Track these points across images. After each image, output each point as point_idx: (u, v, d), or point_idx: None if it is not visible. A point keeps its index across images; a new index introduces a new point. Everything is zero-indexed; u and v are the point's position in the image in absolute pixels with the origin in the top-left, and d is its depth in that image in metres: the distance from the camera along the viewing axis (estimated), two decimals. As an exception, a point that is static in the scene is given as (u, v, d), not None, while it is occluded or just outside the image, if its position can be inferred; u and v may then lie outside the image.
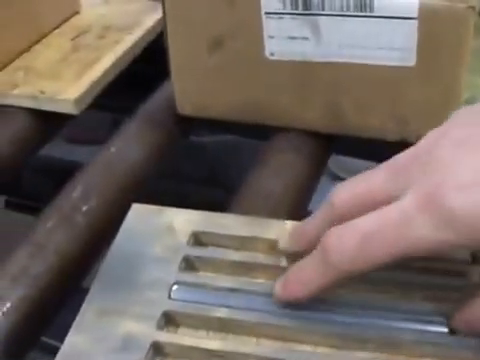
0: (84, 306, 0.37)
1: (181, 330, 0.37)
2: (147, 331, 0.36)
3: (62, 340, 0.36)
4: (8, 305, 0.41)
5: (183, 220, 0.42)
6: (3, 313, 0.41)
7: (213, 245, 0.41)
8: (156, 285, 0.38)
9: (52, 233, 0.45)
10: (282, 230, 0.40)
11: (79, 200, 0.48)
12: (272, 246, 0.40)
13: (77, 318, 0.36)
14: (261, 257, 0.40)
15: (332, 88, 0.53)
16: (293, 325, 0.36)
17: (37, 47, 0.65)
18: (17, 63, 0.63)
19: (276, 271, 0.38)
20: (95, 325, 0.36)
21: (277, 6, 0.51)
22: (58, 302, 0.44)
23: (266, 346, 0.36)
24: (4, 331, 0.40)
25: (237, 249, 0.40)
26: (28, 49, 0.64)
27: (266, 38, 0.52)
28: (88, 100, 0.58)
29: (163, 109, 0.56)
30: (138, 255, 0.40)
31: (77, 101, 0.56)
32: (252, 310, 0.37)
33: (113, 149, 0.53)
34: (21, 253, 0.44)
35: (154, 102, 0.58)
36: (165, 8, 0.52)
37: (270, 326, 0.36)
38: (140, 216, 0.42)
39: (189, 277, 0.39)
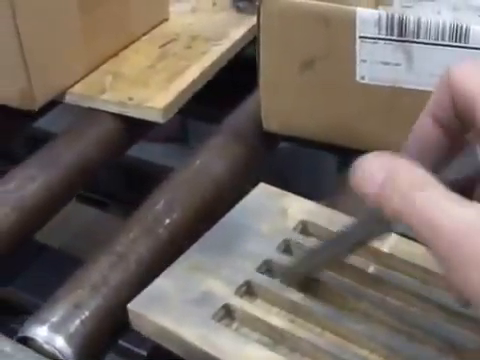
0: (179, 259, 0.42)
1: (256, 302, 0.40)
2: (225, 293, 0.39)
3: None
4: (86, 314, 0.42)
5: (297, 207, 0.45)
6: (81, 321, 0.42)
7: (316, 237, 0.43)
8: (250, 257, 0.41)
9: (134, 244, 0.46)
10: (385, 239, 0.42)
11: (162, 213, 0.49)
12: (368, 251, 0.41)
13: (168, 268, 0.41)
14: (354, 259, 0.41)
15: (418, 115, 0.53)
16: (357, 328, 0.37)
17: (126, 52, 0.66)
18: (106, 67, 0.64)
19: (362, 276, 0.40)
20: (182, 276, 0.40)
21: (372, 31, 0.51)
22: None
23: (326, 338, 0.37)
24: (81, 339, 0.41)
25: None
26: (117, 54, 0.66)
27: (358, 62, 0.52)
28: (175, 109, 0.58)
29: (248, 124, 0.57)
30: (245, 228, 0.43)
31: (164, 110, 0.57)
32: (325, 303, 0.39)
33: (198, 162, 0.53)
34: (103, 262, 0.45)
35: (239, 116, 0.58)
36: (260, 25, 0.53)
37: (336, 323, 0.38)
38: (262, 195, 0.46)
39: (282, 258, 0.41)
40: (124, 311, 0.43)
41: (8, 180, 0.53)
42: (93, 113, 0.60)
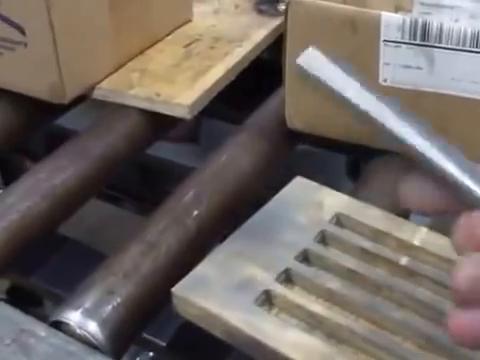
0: (220, 246, 0.44)
1: (294, 289, 0.42)
2: (266, 280, 0.41)
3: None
4: (119, 300, 0.44)
5: (332, 200, 0.47)
6: (113, 307, 0.43)
7: (350, 229, 0.45)
8: (289, 246, 0.44)
9: (164, 234, 0.48)
10: (416, 232, 0.44)
11: (190, 205, 0.50)
12: (401, 244, 0.44)
13: (210, 254, 0.43)
14: (387, 251, 0.43)
15: (438, 118, 0.55)
16: (391, 315, 0.39)
17: (150, 51, 0.68)
18: (132, 65, 0.66)
19: (394, 267, 0.42)
20: (224, 262, 0.42)
21: (396, 35, 0.53)
22: (162, 301, 0.46)
23: (362, 325, 0.39)
24: (113, 324, 0.43)
25: (369, 238, 0.43)
26: (142, 52, 0.67)
27: (381, 64, 0.54)
28: (200, 107, 0.60)
29: (272, 122, 0.58)
30: (283, 219, 0.45)
31: (191, 107, 0.59)
32: (361, 292, 0.41)
33: (224, 157, 0.55)
34: (134, 250, 0.47)
35: (263, 115, 0.60)
36: (287, 27, 0.55)
37: (370, 310, 0.40)
38: (298, 188, 0.48)
39: (319, 248, 0.44)
40: (154, 299, 0.45)
41: (39, 169, 0.55)
42: (120, 108, 0.62)
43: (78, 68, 0.60)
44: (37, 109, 0.63)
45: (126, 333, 0.43)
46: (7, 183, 0.92)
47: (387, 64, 0.54)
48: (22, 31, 0.58)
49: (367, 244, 0.44)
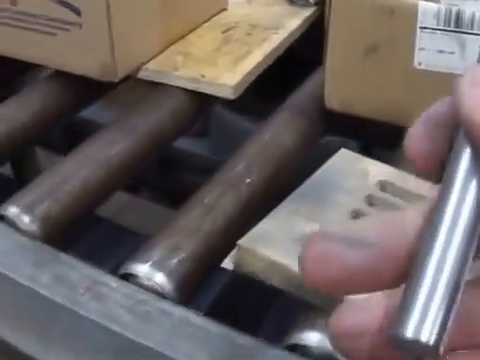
0: (278, 207, 0.48)
1: None
2: None
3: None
4: (183, 255, 0.48)
5: (377, 169, 0.51)
6: (179, 261, 0.47)
7: (394, 195, 0.49)
8: (340, 206, 0.48)
9: (220, 199, 0.52)
10: None
11: (242, 174, 0.54)
12: None
13: (271, 213, 0.47)
14: None
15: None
16: None
17: (190, 37, 0.72)
18: (175, 48, 0.69)
19: None
20: (284, 219, 0.47)
21: (432, 22, 0.57)
22: (221, 258, 0.50)
23: None
24: (179, 276, 0.47)
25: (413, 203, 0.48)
26: (183, 37, 0.71)
27: (417, 49, 0.58)
28: (242, 88, 0.64)
29: (311, 102, 0.62)
30: (332, 184, 0.49)
31: (235, 87, 0.63)
32: None
33: (267, 135, 0.59)
34: (195, 212, 0.51)
35: (302, 95, 0.64)
36: (330, 14, 0.59)
37: None
38: (344, 158, 0.52)
39: (368, 209, 0.48)
40: (213, 255, 0.49)
41: (94, 141, 0.59)
42: (166, 88, 0.65)
43: (129, 48, 0.64)
44: (85, 89, 0.67)
45: (190, 285, 0.47)
46: (16, 172, 0.95)
47: (422, 49, 0.58)
48: (78, 12, 0.62)
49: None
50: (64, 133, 1.06)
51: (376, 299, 0.24)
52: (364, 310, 0.23)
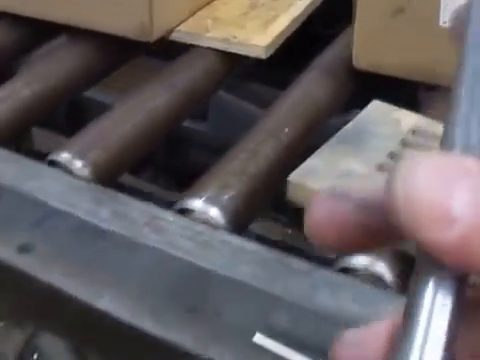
0: (321, 149, 0.52)
1: None
2: (362, 171, 0.49)
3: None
4: (232, 193, 0.51)
5: (408, 118, 0.54)
6: (229, 198, 0.51)
7: (425, 140, 0.53)
8: (377, 148, 0.52)
9: (262, 144, 0.55)
10: None
11: (280, 124, 0.58)
12: None
13: (314, 154, 0.51)
14: None
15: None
16: None
17: (216, 3, 0.75)
18: (203, 13, 0.72)
19: None
20: (328, 158, 0.50)
21: (457, -17, 0.60)
22: (265, 196, 0.54)
23: None
24: (230, 211, 0.50)
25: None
26: (209, 3, 0.74)
27: (442, 9, 0.61)
28: (273, 49, 0.67)
29: (339, 62, 0.66)
30: (368, 130, 0.53)
31: (267, 47, 0.66)
32: None
33: (299, 91, 0.62)
34: (241, 156, 0.54)
35: (330, 55, 0.67)
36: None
37: None
38: (376, 109, 0.55)
39: (390, 164, 0.51)
40: (258, 194, 0.52)
41: (137, 94, 0.62)
42: (198, 49, 0.68)
43: (164, 11, 0.67)
44: (117, 50, 0.70)
45: (241, 219, 0.50)
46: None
47: (446, 8, 0.61)
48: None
49: None
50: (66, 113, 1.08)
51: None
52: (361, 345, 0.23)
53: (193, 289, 0.48)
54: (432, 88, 0.63)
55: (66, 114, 1.10)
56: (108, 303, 0.53)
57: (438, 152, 0.21)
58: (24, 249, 0.59)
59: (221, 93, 1.02)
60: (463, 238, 0.19)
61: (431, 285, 0.20)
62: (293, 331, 0.45)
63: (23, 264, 0.59)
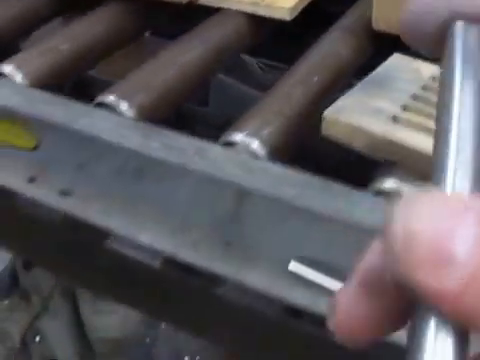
0: (350, 91, 0.56)
1: (413, 115, 0.54)
2: (391, 109, 0.55)
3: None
4: (271, 129, 0.56)
5: (428, 67, 0.59)
6: (269, 132, 0.55)
7: None
8: (401, 91, 0.56)
9: (294, 88, 0.60)
10: None
11: (308, 73, 0.62)
12: None
13: (345, 95, 0.56)
14: None
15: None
16: None
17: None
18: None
19: None
20: (358, 97, 0.56)
21: None
22: (299, 136, 0.59)
23: None
24: (269, 143, 0.55)
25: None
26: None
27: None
28: (297, 12, 0.72)
29: (359, 24, 0.71)
30: (392, 76, 0.58)
31: (291, 10, 0.71)
32: None
33: (324, 48, 0.67)
34: (274, 98, 0.59)
35: (350, 18, 0.72)
36: None
37: None
38: (398, 59, 0.60)
39: (424, 94, 0.56)
40: (293, 134, 0.57)
41: (171, 49, 0.66)
42: (225, 11, 0.73)
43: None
44: (147, 13, 0.75)
45: (280, 153, 0.55)
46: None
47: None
48: None
49: None
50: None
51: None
52: None
53: (235, 217, 0.53)
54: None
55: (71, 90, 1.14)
56: (150, 237, 0.58)
57: (438, 190, 0.19)
58: (66, 192, 0.64)
59: (221, 76, 1.07)
60: (463, 286, 0.18)
61: (432, 326, 0.19)
62: (329, 255, 0.50)
63: (65, 206, 0.63)
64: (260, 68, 1.02)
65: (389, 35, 0.70)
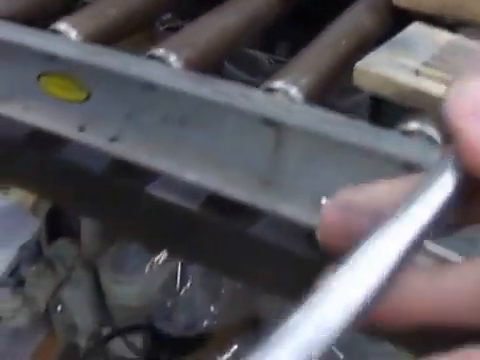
0: (377, 49, 0.62)
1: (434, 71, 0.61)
2: (414, 64, 0.61)
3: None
4: (308, 79, 0.62)
5: (444, 35, 0.65)
6: (306, 81, 0.62)
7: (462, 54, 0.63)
8: (422, 51, 0.62)
9: (323, 49, 0.67)
10: None
11: (335, 39, 0.69)
12: None
13: (372, 52, 0.62)
14: None
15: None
16: None
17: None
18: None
19: None
20: (385, 54, 0.62)
21: None
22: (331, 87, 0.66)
23: None
24: (306, 91, 0.61)
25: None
26: None
27: None
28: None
29: (380, 1, 0.78)
30: (412, 40, 0.64)
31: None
32: None
33: (345, 20, 0.74)
34: (309, 59, 0.66)
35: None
36: None
37: None
38: (418, 27, 0.65)
39: (446, 55, 0.62)
40: (327, 84, 0.64)
41: (211, 13, 0.73)
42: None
43: None
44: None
45: (314, 100, 0.61)
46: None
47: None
48: None
49: None
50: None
51: None
52: None
53: (275, 155, 0.59)
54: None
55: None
56: (195, 175, 0.64)
57: None
58: (114, 139, 0.70)
59: (231, 68, 1.14)
60: None
61: (447, 165, 0.26)
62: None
63: (112, 150, 0.69)
64: (269, 63, 1.10)
65: (408, 11, 0.77)
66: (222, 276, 1.25)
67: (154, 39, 0.98)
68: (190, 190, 0.67)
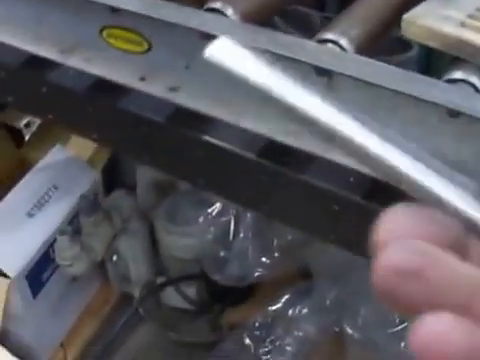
0: (419, 6, 0.64)
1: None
2: (457, 16, 0.63)
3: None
4: (357, 31, 0.65)
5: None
6: (357, 33, 0.65)
7: None
8: (466, 4, 0.64)
9: (374, 2, 0.70)
10: None
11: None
12: None
13: (421, 4, 0.63)
14: None
15: None
16: None
17: None
18: None
19: None
20: (430, 7, 0.64)
21: None
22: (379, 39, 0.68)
23: None
24: (355, 42, 0.64)
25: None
26: None
27: None
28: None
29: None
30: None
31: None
32: None
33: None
34: (360, 11, 0.68)
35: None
36: None
37: None
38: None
39: (477, 14, 0.64)
40: (375, 35, 0.67)
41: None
42: None
43: None
44: None
45: (363, 51, 0.64)
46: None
47: None
48: None
49: None
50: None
51: None
52: None
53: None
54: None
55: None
56: (250, 123, 0.68)
57: None
58: (173, 89, 0.74)
59: (282, 25, 1.16)
60: None
61: None
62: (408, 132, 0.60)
63: (172, 98, 0.73)
64: (320, 20, 1.12)
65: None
66: (274, 227, 1.29)
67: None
68: (247, 138, 0.70)
